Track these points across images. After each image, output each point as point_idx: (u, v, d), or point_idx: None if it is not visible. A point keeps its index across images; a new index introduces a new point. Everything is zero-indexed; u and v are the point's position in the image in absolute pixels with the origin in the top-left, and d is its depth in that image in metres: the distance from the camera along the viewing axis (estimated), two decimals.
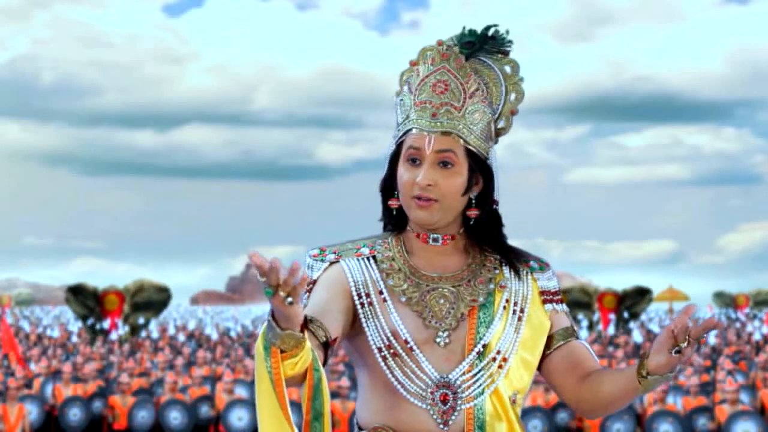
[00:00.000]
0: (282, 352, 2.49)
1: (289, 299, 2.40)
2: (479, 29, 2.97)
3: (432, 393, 2.80)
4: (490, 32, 2.97)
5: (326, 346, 2.72)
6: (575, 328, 2.99)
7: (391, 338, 2.82)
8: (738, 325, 41.97)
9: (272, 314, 2.48)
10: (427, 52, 2.97)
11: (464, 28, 2.98)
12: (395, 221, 2.97)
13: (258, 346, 2.51)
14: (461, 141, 2.86)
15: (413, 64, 2.99)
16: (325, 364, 2.72)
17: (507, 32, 2.98)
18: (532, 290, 2.95)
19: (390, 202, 2.94)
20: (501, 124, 2.98)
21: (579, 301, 33.05)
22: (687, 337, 2.62)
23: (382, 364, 2.82)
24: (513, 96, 2.98)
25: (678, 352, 2.64)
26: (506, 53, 2.99)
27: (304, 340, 2.49)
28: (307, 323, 2.51)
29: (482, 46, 2.96)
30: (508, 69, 2.99)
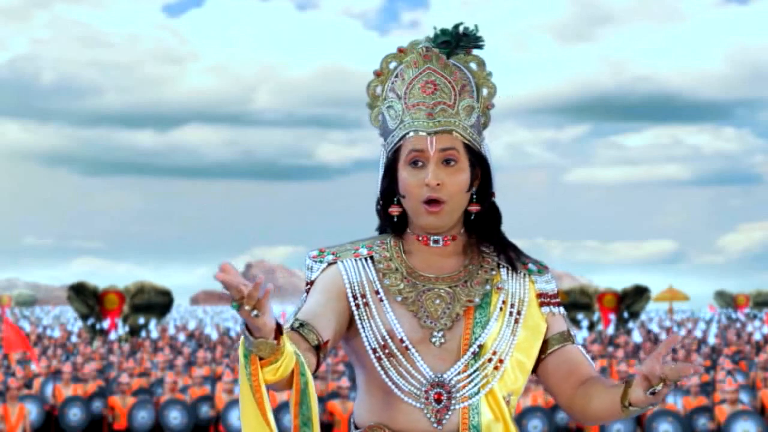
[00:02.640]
0: (261, 359, 2.51)
1: (255, 312, 2.44)
2: (449, 28, 2.97)
3: (426, 392, 2.81)
4: (461, 29, 2.97)
5: (318, 350, 2.74)
6: (572, 332, 2.99)
7: (387, 338, 2.83)
8: (738, 325, 41.96)
9: (246, 324, 2.51)
10: (408, 56, 2.95)
11: (435, 29, 2.98)
12: (394, 226, 2.96)
13: (239, 354, 2.54)
14: (460, 137, 2.87)
15: (378, 74, 3.00)
16: (318, 367, 2.75)
17: (476, 27, 2.98)
18: (529, 292, 2.95)
19: (390, 209, 2.94)
20: (481, 120, 2.98)
21: (579, 301, 33.04)
22: (663, 379, 2.58)
23: (377, 365, 2.83)
24: (485, 91, 2.99)
25: (653, 393, 2.61)
26: (481, 47, 2.99)
27: (280, 347, 2.51)
28: (280, 329, 2.52)
29: (458, 43, 2.97)
30: (473, 66, 2.99)
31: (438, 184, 2.84)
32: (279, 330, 2.52)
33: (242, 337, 2.54)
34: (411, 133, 2.88)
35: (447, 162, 2.86)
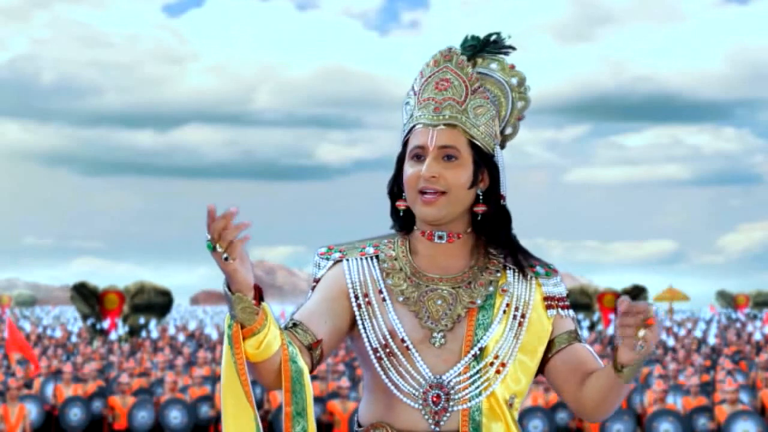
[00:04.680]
0: (243, 327, 2.58)
1: (225, 255, 2.50)
2: (482, 35, 3.00)
3: (425, 393, 2.81)
4: (492, 38, 3.00)
5: (311, 349, 2.77)
6: (579, 332, 2.97)
7: (388, 337, 2.83)
8: (738, 325, 41.96)
9: (227, 282, 2.60)
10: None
11: (467, 35, 3.00)
12: (403, 222, 2.97)
13: (225, 326, 2.60)
14: (465, 133, 2.87)
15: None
16: (314, 367, 2.77)
17: (509, 37, 3.00)
18: (535, 295, 2.93)
19: (398, 203, 2.94)
20: (508, 131, 3.00)
21: (579, 301, 33.07)
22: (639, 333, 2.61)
23: (377, 365, 2.83)
24: (520, 104, 3.02)
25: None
26: (507, 54, 3.01)
27: (261, 313, 2.58)
28: (261, 295, 2.61)
29: (483, 48, 2.99)
30: (514, 81, 3.01)
31: (433, 177, 2.83)
32: (260, 295, 2.60)
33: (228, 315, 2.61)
34: (419, 126, 2.89)
35: (448, 158, 2.85)
